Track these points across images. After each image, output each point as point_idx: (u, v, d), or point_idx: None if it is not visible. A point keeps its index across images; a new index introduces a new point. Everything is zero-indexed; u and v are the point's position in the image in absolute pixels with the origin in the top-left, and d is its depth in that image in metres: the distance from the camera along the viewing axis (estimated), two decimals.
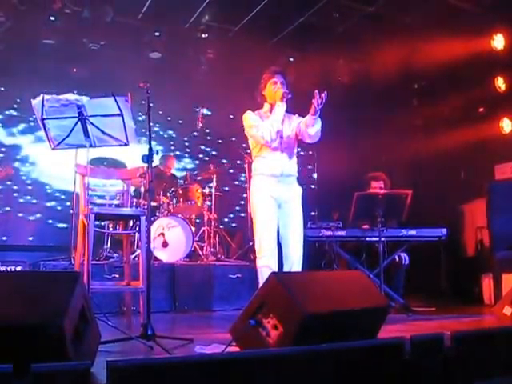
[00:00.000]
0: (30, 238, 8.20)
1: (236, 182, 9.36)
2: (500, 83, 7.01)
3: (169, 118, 9.30)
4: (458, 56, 6.70)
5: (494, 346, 2.84)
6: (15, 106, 8.31)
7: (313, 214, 8.52)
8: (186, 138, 9.49)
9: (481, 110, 7.35)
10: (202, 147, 9.62)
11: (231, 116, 8.37)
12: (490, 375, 2.73)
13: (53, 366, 1.81)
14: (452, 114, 7.43)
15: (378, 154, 8.13)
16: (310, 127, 4.31)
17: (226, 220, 9.07)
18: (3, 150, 8.31)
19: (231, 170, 9.17)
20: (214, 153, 9.63)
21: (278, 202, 4.31)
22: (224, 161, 9.24)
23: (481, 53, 6.80)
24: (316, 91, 4.12)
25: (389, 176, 6.14)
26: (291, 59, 8.92)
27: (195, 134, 9.23)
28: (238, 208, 9.21)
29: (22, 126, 8.44)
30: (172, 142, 9.43)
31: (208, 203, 7.30)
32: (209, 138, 9.49)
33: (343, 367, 2.32)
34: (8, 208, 8.18)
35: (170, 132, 9.41)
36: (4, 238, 8.06)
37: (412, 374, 2.47)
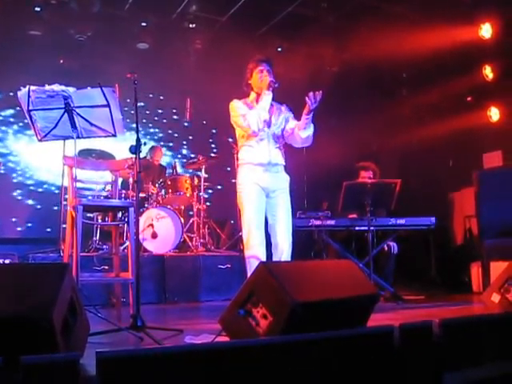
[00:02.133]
0: (19, 230, 8.18)
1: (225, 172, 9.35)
2: (488, 72, 7.04)
3: (157, 109, 9.27)
4: (446, 45, 6.73)
5: (483, 333, 2.86)
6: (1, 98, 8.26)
7: (302, 203, 8.53)
8: (174, 129, 9.47)
9: (469, 98, 7.39)
10: (190, 137, 9.60)
11: (219, 106, 8.34)
12: (478, 362, 2.75)
13: (42, 357, 1.80)
14: (440, 103, 7.46)
15: (367, 144, 8.15)
16: (302, 130, 4.29)
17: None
18: None
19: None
20: (202, 143, 9.60)
21: (266, 191, 4.27)
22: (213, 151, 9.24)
23: (469, 42, 6.83)
24: (310, 93, 4.10)
25: (378, 165, 6.15)
26: (279, 49, 8.90)
27: (183, 124, 9.21)
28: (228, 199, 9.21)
29: (8, 119, 8.38)
30: (160, 133, 9.40)
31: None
32: (197, 128, 9.46)
33: (333, 356, 2.33)
34: None
35: (158, 122, 9.38)
36: None
37: (401, 362, 2.48)
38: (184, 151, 9.59)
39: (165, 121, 9.41)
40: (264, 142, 4.30)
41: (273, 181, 4.30)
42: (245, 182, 4.28)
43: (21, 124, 8.30)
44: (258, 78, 4.33)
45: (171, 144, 9.49)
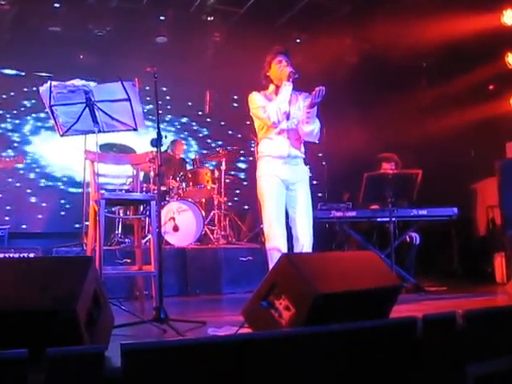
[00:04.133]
0: (42, 225, 8.28)
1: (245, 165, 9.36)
2: (510, 59, 6.93)
3: (177, 102, 9.29)
4: (467, 33, 6.62)
5: (506, 324, 2.83)
6: (23, 94, 8.35)
7: (323, 195, 8.50)
8: (194, 122, 9.49)
9: (491, 87, 7.29)
10: (210, 130, 9.62)
11: (239, 98, 8.36)
12: (502, 353, 2.73)
13: (67, 350, 1.81)
14: (461, 92, 7.36)
15: (388, 134, 8.08)
16: (305, 124, 4.26)
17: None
18: (13, 138, 8.37)
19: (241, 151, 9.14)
20: (222, 136, 9.62)
21: (286, 183, 4.24)
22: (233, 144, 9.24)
23: (490, 29, 6.71)
24: (317, 88, 4.07)
25: (399, 156, 6.10)
26: (298, 40, 8.86)
27: (203, 117, 9.23)
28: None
29: (31, 115, 8.47)
30: (180, 126, 9.43)
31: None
32: (217, 120, 9.47)
33: (355, 347, 2.32)
34: (20, 197, 8.25)
35: (178, 116, 9.41)
36: (22, 226, 8.14)
37: (424, 353, 2.47)
38: (204, 144, 9.60)
39: (184, 114, 9.43)
40: (284, 135, 4.27)
41: (292, 173, 4.27)
42: (264, 174, 4.26)
43: (43, 119, 8.38)
44: (277, 69, 4.29)
45: (191, 137, 9.51)
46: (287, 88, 4.22)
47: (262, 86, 4.43)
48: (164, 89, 8.50)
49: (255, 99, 4.30)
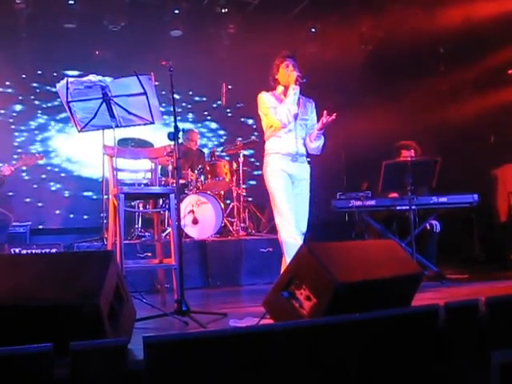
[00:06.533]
0: (63, 221, 8.35)
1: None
2: None
3: (193, 95, 9.30)
4: (484, 17, 6.54)
5: None
6: (38, 91, 8.43)
7: (341, 184, 8.47)
8: (210, 115, 9.50)
9: (510, 71, 7.20)
10: (228, 122, 9.62)
11: (255, 90, 8.31)
12: None
13: (91, 343, 1.84)
14: (479, 78, 7.29)
15: (406, 121, 8.02)
16: (313, 141, 4.50)
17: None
18: (32, 136, 8.45)
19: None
20: (240, 127, 9.60)
21: (292, 179, 4.40)
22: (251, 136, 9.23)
23: (508, 13, 6.62)
24: (325, 111, 4.31)
25: (418, 143, 6.05)
26: (313, 30, 8.80)
27: (220, 109, 9.22)
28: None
29: (47, 111, 8.54)
30: (196, 119, 9.44)
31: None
32: (234, 112, 9.46)
33: (378, 336, 2.32)
34: (40, 193, 8.33)
35: (194, 109, 9.42)
36: (42, 222, 8.24)
37: (447, 341, 2.46)
38: (221, 136, 9.61)
39: (201, 107, 9.43)
40: (292, 134, 4.45)
41: (299, 170, 4.45)
42: (273, 169, 4.40)
43: (62, 116, 8.44)
44: (284, 73, 4.46)
45: (208, 130, 9.52)
46: (295, 91, 4.40)
47: (271, 85, 4.56)
48: (179, 82, 8.50)
49: (266, 99, 4.48)
